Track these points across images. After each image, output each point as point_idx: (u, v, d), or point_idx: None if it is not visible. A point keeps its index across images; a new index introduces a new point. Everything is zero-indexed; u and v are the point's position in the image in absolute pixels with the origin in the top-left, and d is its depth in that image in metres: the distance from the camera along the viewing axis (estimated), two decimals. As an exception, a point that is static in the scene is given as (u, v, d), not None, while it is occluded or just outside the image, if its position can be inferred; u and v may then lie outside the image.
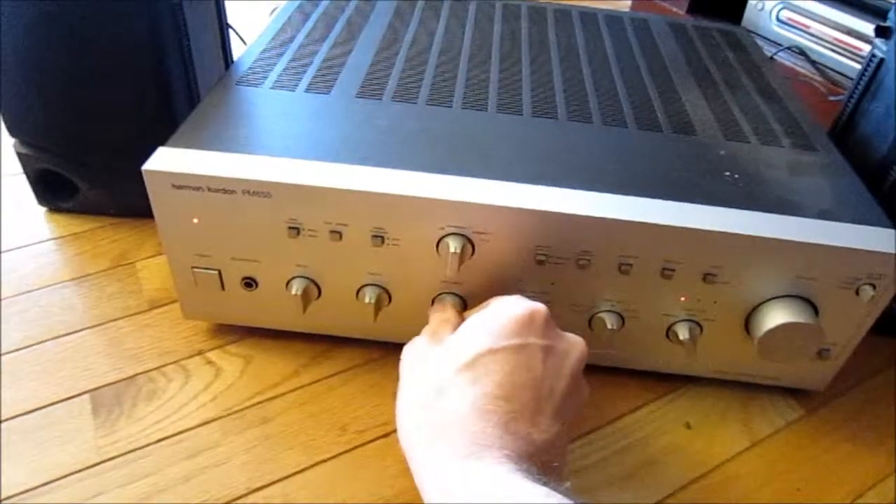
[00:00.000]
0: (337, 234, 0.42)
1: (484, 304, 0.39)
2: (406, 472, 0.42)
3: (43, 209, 0.60)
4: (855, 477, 0.45)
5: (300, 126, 0.45)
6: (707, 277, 0.42)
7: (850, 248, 0.40)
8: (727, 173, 0.45)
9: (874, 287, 0.42)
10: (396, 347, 0.49)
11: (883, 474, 0.46)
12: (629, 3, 1.06)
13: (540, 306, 0.36)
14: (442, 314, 0.41)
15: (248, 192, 0.40)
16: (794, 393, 0.50)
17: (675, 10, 0.94)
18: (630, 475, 0.44)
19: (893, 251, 0.40)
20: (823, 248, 0.40)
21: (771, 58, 0.83)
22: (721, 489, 0.44)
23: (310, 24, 0.59)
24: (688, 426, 0.47)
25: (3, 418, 0.43)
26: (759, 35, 0.88)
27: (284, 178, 0.40)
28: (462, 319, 0.39)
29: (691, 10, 0.93)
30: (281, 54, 0.54)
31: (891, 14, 0.55)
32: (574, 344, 0.37)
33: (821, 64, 0.82)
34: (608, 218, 0.40)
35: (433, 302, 0.45)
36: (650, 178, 0.44)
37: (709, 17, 0.91)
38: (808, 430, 0.48)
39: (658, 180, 0.44)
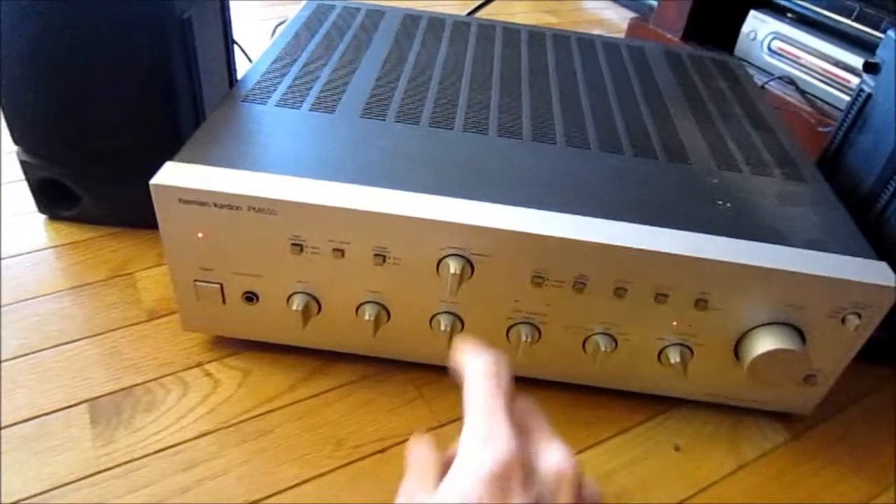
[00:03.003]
0: (339, 252, 0.43)
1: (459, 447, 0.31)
2: (402, 488, 0.43)
3: (43, 217, 0.60)
4: (839, 500, 0.46)
5: (306, 144, 0.46)
6: (699, 303, 0.43)
7: (837, 279, 0.42)
8: (719, 202, 0.47)
9: (859, 316, 0.43)
10: (393, 364, 0.50)
11: (867, 497, 0.47)
12: (624, 28, 1.09)
13: (509, 450, 0.29)
14: (418, 466, 0.34)
15: (254, 208, 0.41)
16: (780, 417, 0.51)
17: (669, 36, 0.96)
18: (619, 496, 0.45)
19: (878, 282, 0.42)
20: (811, 278, 0.42)
21: (762, 87, 0.85)
22: (708, 511, 0.45)
23: (314, 42, 0.60)
24: (676, 448, 0.48)
25: None
26: (750, 64, 0.91)
27: (290, 195, 0.41)
28: (442, 461, 0.34)
29: (686, 37, 0.95)
30: (285, 72, 0.55)
31: (879, 50, 0.57)
32: (560, 477, 0.30)
33: (810, 94, 0.84)
34: (606, 244, 0.41)
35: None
36: (646, 204, 0.45)
37: (702, 45, 0.93)
38: (794, 453, 0.49)
39: (653, 207, 0.45)
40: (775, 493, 0.46)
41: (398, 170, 0.45)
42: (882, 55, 0.56)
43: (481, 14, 0.96)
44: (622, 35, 1.07)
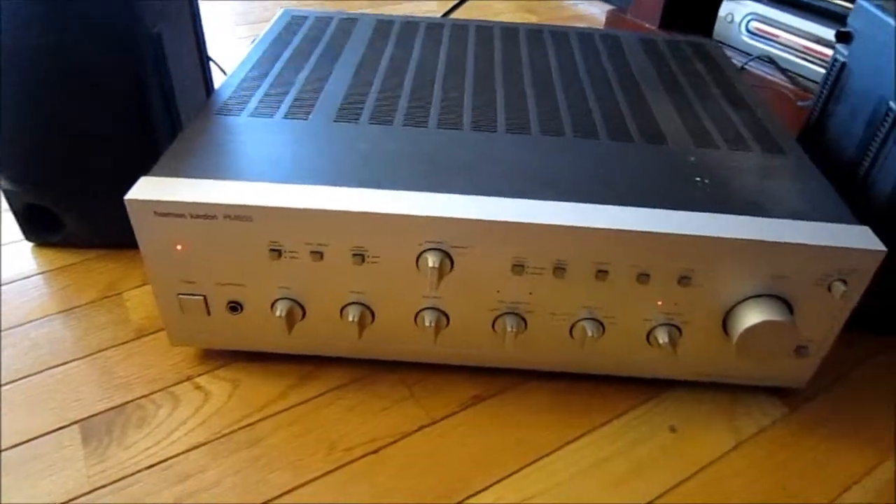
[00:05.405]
0: (318, 255, 0.43)
1: None
2: (395, 489, 0.43)
3: (30, 244, 0.61)
4: (840, 471, 0.46)
5: (279, 151, 0.46)
6: (682, 281, 0.43)
7: (818, 246, 0.41)
8: (697, 179, 0.47)
9: (845, 283, 0.43)
10: (383, 364, 0.50)
11: (867, 468, 0.46)
12: (603, 20, 1.09)
13: None
14: None
15: (229, 216, 0.41)
16: (777, 392, 0.51)
17: (648, 26, 0.96)
18: (619, 480, 0.44)
19: (861, 246, 0.41)
20: (793, 247, 0.41)
21: (742, 68, 0.85)
22: (708, 489, 0.44)
23: (288, 52, 0.60)
24: (672, 429, 0.48)
25: (-7, 452, 0.44)
26: (730, 46, 0.90)
27: (264, 201, 0.41)
28: None
29: (663, 25, 0.95)
30: (259, 83, 0.55)
31: (850, 19, 0.57)
32: None
33: (791, 72, 0.84)
34: (580, 226, 0.41)
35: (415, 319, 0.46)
36: (621, 186, 0.45)
37: (681, 33, 0.93)
38: (793, 427, 0.49)
39: (629, 188, 0.45)
40: (775, 469, 0.46)
41: (371, 169, 0.45)
42: (854, 24, 0.56)
43: (460, 15, 0.96)
44: (600, 27, 1.07)
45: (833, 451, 0.47)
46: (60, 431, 0.45)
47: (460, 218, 0.41)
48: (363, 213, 0.41)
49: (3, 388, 0.48)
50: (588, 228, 0.41)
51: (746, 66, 0.85)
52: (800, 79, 0.82)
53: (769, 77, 0.83)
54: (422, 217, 0.41)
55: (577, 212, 0.41)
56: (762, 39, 0.87)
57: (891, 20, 0.51)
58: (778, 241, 0.41)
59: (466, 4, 1.11)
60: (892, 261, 0.46)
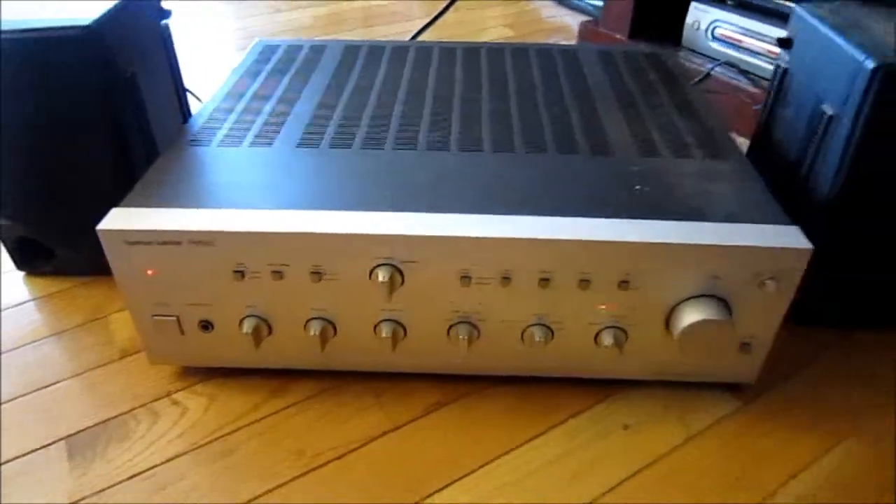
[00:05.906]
0: (278, 274, 0.46)
1: None
2: (356, 491, 0.45)
3: (22, 274, 0.64)
4: (790, 459, 0.48)
5: (243, 178, 0.49)
6: (622, 285, 0.45)
7: (747, 246, 0.44)
8: (637, 187, 0.49)
9: (776, 280, 0.45)
10: (351, 376, 0.53)
11: (818, 454, 0.48)
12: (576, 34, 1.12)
13: None
14: None
15: (194, 242, 0.44)
16: (730, 388, 0.53)
17: (618, 36, 0.99)
18: (575, 474, 0.47)
19: (789, 245, 0.44)
20: (723, 249, 0.44)
21: (707, 74, 0.87)
22: (662, 480, 0.46)
23: (257, 82, 0.64)
24: (626, 427, 0.50)
25: (-14, 469, 0.47)
26: (697, 53, 0.93)
27: (223, 226, 0.44)
28: None
29: (633, 35, 0.97)
30: (229, 113, 0.58)
31: (789, 25, 0.59)
32: None
33: (755, 75, 0.86)
34: (516, 237, 0.43)
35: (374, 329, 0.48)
36: (563, 198, 0.48)
37: (650, 41, 0.96)
38: (745, 420, 0.51)
39: (570, 199, 0.47)
40: (727, 459, 0.48)
41: (327, 191, 0.48)
42: (792, 30, 0.59)
43: (440, 36, 1.00)
44: (573, 41, 1.10)
45: (784, 440, 0.49)
46: (47, 448, 0.48)
47: (405, 234, 0.43)
48: (316, 234, 0.44)
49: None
50: (525, 239, 0.43)
51: (713, 72, 0.88)
52: (764, 82, 0.85)
53: (733, 82, 0.85)
54: (370, 235, 0.44)
55: (515, 224, 0.44)
56: (728, 45, 0.89)
57: (821, 25, 0.53)
58: (708, 243, 0.44)
59: (450, 20, 1.15)
60: (834, 256, 0.48)
